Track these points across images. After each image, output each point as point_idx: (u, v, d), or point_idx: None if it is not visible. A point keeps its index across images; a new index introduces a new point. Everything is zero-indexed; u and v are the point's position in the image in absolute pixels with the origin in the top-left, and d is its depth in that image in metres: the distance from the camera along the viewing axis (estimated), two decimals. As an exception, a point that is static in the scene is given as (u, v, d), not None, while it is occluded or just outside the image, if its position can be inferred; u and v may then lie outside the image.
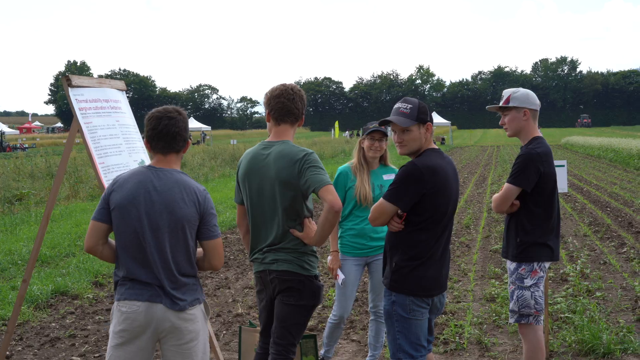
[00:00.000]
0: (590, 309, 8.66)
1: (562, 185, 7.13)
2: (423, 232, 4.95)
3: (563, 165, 7.22)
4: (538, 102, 5.92)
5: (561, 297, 9.44)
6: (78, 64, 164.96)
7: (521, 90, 5.88)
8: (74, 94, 6.18)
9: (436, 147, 5.06)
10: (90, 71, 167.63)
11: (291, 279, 5.02)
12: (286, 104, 5.09)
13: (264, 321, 5.34)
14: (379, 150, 6.53)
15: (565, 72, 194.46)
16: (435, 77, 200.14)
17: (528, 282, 5.78)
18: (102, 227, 4.53)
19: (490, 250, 13.30)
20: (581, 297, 9.40)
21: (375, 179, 6.56)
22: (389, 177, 6.61)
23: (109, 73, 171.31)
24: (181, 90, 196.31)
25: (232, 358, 7.61)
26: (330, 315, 6.85)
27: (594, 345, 7.37)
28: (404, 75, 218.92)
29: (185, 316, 4.48)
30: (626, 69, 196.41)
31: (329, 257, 6.62)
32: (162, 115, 4.55)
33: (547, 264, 5.92)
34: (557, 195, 5.96)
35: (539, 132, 5.92)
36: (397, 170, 6.71)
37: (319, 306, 9.17)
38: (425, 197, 4.87)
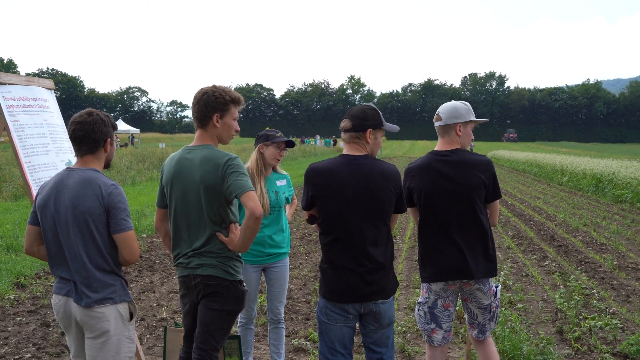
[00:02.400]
0: (512, 320, 8.82)
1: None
2: (323, 236, 5.08)
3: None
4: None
5: (483, 307, 9.57)
6: (5, 62, 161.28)
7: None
8: (1, 92, 6.05)
9: (363, 153, 5.05)
10: (17, 69, 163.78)
11: (216, 284, 4.99)
12: (203, 109, 5.05)
13: (188, 326, 5.28)
14: (280, 158, 6.60)
15: (494, 87, 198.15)
16: (366, 88, 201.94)
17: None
18: (34, 229, 4.79)
19: (416, 260, 13.43)
20: (503, 309, 9.56)
21: (269, 185, 6.58)
22: (282, 182, 6.73)
23: (37, 72, 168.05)
24: (110, 91, 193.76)
25: (156, 363, 7.55)
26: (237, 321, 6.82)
27: (514, 356, 7.50)
28: (335, 84, 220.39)
29: (92, 313, 4.58)
30: (552, 86, 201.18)
31: None
32: (73, 120, 4.70)
33: None
34: None
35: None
36: (287, 175, 6.81)
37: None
38: (314, 198, 5.03)
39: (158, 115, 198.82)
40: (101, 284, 4.59)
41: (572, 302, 9.98)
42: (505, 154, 69.18)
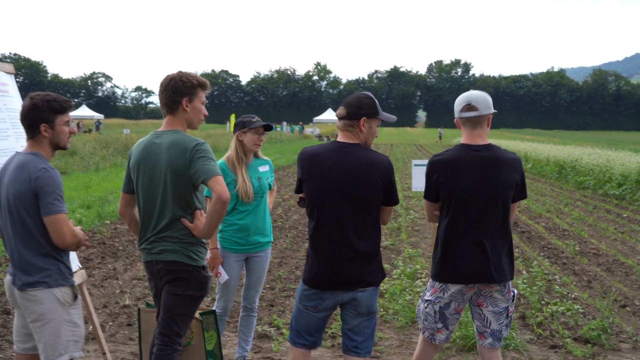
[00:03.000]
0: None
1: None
2: (309, 221, 5.10)
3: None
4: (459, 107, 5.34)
5: (447, 293, 9.61)
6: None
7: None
8: (-41, 76, 5.96)
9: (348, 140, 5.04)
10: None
11: (178, 269, 4.98)
12: (171, 94, 5.06)
13: (159, 307, 5.28)
14: (260, 143, 6.56)
15: (459, 74, 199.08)
16: (332, 75, 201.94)
17: None
18: None
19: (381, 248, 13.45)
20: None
21: (252, 172, 6.55)
22: (264, 168, 6.71)
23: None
24: (74, 77, 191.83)
25: (118, 350, 7.50)
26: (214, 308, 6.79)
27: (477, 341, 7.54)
28: (301, 71, 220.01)
29: (26, 296, 4.69)
30: (517, 74, 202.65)
31: (208, 255, 6.35)
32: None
33: None
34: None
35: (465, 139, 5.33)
36: (270, 161, 6.78)
37: (208, 298, 9.13)
38: (301, 182, 5.09)
39: (123, 101, 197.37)
40: (34, 267, 4.65)
41: (535, 287, 10.07)
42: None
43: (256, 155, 6.71)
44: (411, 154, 54.06)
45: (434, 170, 5.21)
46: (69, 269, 4.84)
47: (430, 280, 5.43)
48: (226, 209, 4.78)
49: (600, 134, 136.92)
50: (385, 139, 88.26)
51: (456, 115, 5.30)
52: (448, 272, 5.23)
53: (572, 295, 9.91)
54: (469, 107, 5.18)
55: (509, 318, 5.39)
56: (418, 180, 7.36)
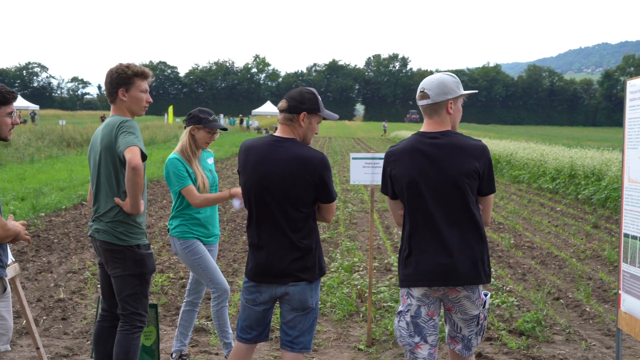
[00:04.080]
0: (412, 298, 8.94)
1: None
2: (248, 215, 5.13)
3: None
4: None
5: (385, 286, 9.69)
6: None
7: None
8: None
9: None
10: None
11: (111, 249, 5.23)
12: (109, 86, 5.32)
13: (102, 288, 5.56)
14: (210, 142, 6.52)
15: (397, 68, 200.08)
16: (271, 67, 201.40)
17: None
18: None
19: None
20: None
21: (204, 165, 6.52)
22: (211, 160, 6.73)
23: None
24: (8, 67, 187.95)
25: (52, 344, 7.38)
26: (212, 298, 6.59)
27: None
28: (239, 63, 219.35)
29: None
30: (454, 68, 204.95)
31: (236, 201, 6.16)
32: None
33: None
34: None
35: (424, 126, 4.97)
36: (212, 153, 6.78)
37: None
38: (239, 174, 5.13)
39: (58, 92, 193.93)
40: None
41: (471, 280, 10.18)
42: (407, 134, 69.86)
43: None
44: (349, 147, 54.29)
45: (388, 162, 4.89)
46: (1, 261, 4.76)
47: (400, 289, 4.98)
48: (137, 176, 4.90)
49: (535, 128, 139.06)
50: (324, 132, 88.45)
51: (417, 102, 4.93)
52: (408, 275, 4.79)
53: (507, 288, 10.06)
54: (422, 94, 4.84)
55: (480, 325, 4.93)
56: (356, 173, 7.38)
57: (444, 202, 4.69)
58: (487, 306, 4.96)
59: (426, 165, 4.70)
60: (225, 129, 6.71)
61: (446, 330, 5.05)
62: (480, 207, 4.87)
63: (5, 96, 4.73)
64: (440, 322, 5.37)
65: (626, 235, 5.84)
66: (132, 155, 4.87)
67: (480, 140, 4.83)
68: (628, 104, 5.93)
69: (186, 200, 6.34)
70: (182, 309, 6.82)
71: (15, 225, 4.77)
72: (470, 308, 4.82)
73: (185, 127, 6.52)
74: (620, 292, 5.97)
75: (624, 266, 5.88)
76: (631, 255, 5.73)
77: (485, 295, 4.98)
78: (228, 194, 6.24)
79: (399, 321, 4.90)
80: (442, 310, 4.96)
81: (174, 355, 6.76)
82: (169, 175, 6.29)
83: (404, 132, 76.60)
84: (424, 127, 4.89)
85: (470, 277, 4.71)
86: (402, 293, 4.90)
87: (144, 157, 5.00)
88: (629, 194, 5.83)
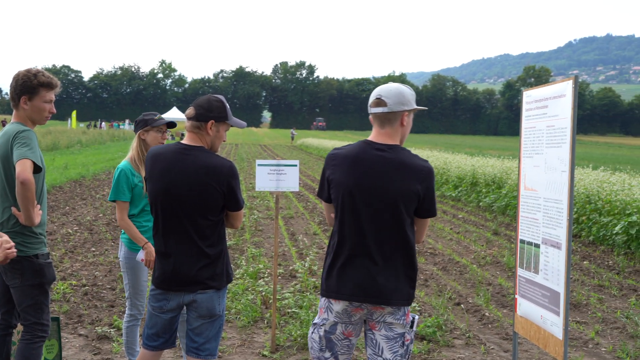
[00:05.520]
0: (316, 305, 9.01)
1: (294, 184, 7.41)
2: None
3: (296, 165, 7.46)
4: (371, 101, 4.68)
5: (289, 292, 9.73)
6: None
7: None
8: None
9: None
10: None
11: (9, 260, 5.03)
12: (12, 91, 5.25)
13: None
14: (164, 141, 6.37)
15: (304, 75, 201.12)
16: (178, 73, 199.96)
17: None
18: None
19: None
20: (308, 293, 9.75)
21: None
22: None
23: None
24: None
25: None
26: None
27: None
28: (145, 68, 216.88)
29: None
30: (360, 77, 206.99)
31: (142, 252, 6.13)
32: None
33: None
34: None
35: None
36: None
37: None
38: (145, 182, 5.11)
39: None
40: None
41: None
42: (313, 142, 70.63)
43: None
44: (256, 154, 54.24)
45: (328, 165, 4.63)
46: None
47: (320, 299, 4.74)
48: (26, 190, 4.83)
49: (439, 137, 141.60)
50: (231, 139, 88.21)
51: (369, 110, 4.65)
52: (330, 286, 4.55)
53: (410, 294, 10.21)
54: (378, 101, 4.53)
55: (405, 347, 4.55)
56: (261, 180, 7.42)
57: (377, 218, 4.44)
58: (414, 328, 4.64)
59: (366, 178, 4.45)
60: (173, 125, 6.44)
61: (367, 356, 4.64)
62: (415, 227, 4.64)
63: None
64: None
65: (522, 241, 6.04)
66: (21, 169, 4.81)
67: (427, 162, 4.55)
68: (524, 114, 6.14)
69: (139, 209, 6.26)
70: (124, 324, 6.49)
71: None
72: (397, 326, 4.51)
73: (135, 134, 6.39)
74: (516, 296, 6.17)
75: (519, 271, 6.07)
76: (526, 261, 5.93)
77: (414, 317, 4.66)
78: (144, 243, 6.14)
79: (312, 333, 4.67)
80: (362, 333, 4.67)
81: None
82: (113, 183, 6.19)
83: (311, 139, 77.02)
84: (373, 136, 4.60)
85: (393, 295, 4.46)
86: (322, 304, 4.63)
87: (37, 169, 4.95)
88: (524, 201, 6.03)
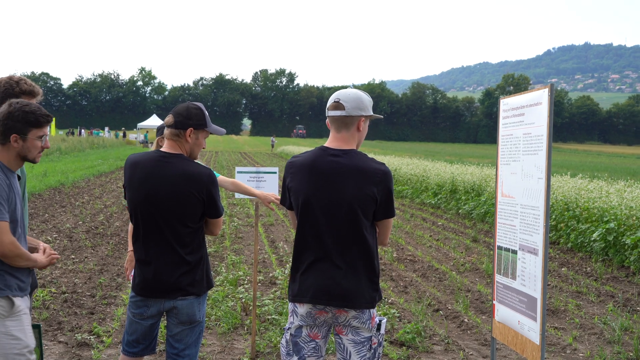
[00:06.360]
0: (296, 311, 9.03)
1: (273, 191, 7.43)
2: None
3: (275, 172, 7.49)
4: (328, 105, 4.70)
5: (269, 299, 9.76)
6: None
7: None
8: None
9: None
10: None
11: None
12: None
13: None
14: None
15: (284, 83, 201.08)
16: (157, 80, 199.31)
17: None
18: None
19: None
20: (288, 300, 9.76)
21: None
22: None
23: None
24: None
25: None
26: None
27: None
28: (125, 76, 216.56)
29: None
30: (340, 85, 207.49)
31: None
32: None
33: None
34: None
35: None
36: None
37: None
38: (125, 189, 5.09)
39: None
40: None
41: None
42: (294, 149, 70.64)
43: None
44: (236, 162, 54.21)
45: (287, 173, 4.67)
46: (15, 278, 4.58)
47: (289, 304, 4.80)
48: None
49: (419, 145, 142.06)
50: (211, 146, 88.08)
51: (326, 113, 4.67)
52: (294, 290, 4.61)
53: (389, 300, 10.28)
54: (335, 104, 4.55)
55: (373, 351, 4.57)
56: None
57: (335, 223, 4.48)
58: (382, 331, 4.63)
59: (322, 185, 4.49)
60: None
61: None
62: (377, 229, 4.67)
63: (39, 119, 4.59)
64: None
65: (499, 248, 6.09)
66: None
67: (384, 164, 4.57)
68: (501, 121, 6.21)
69: None
70: None
71: (37, 256, 4.66)
72: (362, 330, 4.53)
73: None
74: (494, 302, 6.23)
75: (497, 277, 6.13)
76: (504, 267, 5.99)
77: (380, 319, 4.68)
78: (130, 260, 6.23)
79: (282, 337, 4.75)
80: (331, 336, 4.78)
81: None
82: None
83: (291, 147, 77.12)
84: (329, 142, 4.63)
85: (356, 299, 4.49)
86: (290, 309, 4.70)
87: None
88: (502, 208, 6.10)
